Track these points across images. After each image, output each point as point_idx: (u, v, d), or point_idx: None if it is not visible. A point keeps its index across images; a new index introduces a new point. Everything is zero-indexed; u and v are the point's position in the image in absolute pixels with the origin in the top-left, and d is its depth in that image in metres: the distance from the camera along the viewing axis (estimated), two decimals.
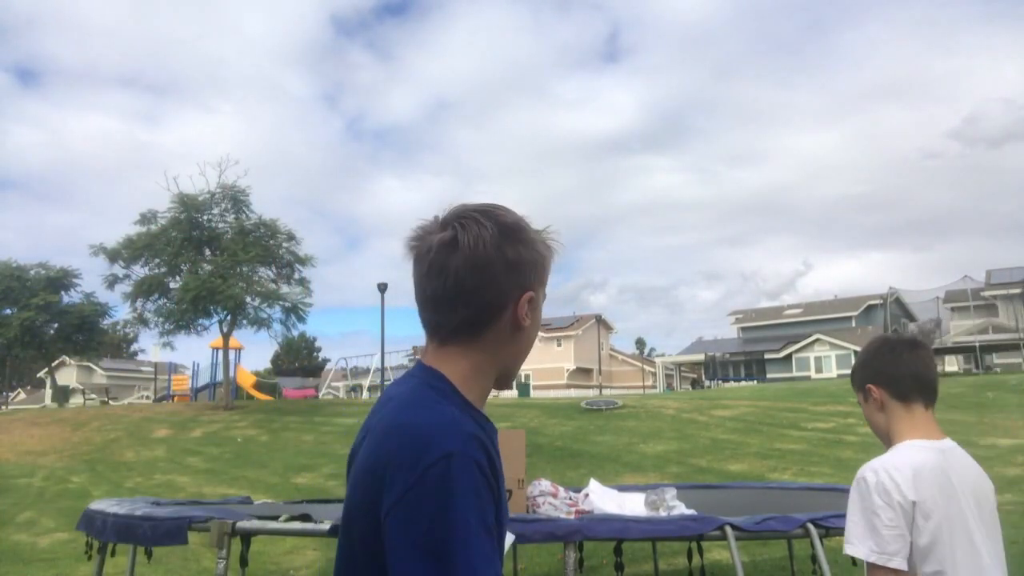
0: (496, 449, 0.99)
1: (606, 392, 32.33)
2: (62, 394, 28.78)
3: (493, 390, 1.08)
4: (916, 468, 1.78)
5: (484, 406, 1.05)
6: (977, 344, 22.93)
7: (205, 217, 16.56)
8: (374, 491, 0.93)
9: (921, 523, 1.74)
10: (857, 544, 1.81)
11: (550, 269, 1.06)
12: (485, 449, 0.94)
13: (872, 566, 1.74)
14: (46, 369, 30.41)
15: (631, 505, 3.66)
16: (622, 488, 5.56)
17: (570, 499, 3.72)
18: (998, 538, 1.96)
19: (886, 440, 1.93)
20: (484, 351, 1.03)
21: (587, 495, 3.77)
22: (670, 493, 3.61)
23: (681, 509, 3.50)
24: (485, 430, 0.99)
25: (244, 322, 16.60)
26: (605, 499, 3.74)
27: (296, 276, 17.00)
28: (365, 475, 0.96)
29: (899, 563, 1.69)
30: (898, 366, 1.91)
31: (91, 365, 42.76)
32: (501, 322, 1.01)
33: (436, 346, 1.04)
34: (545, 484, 3.86)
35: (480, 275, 0.98)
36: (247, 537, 3.12)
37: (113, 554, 3.78)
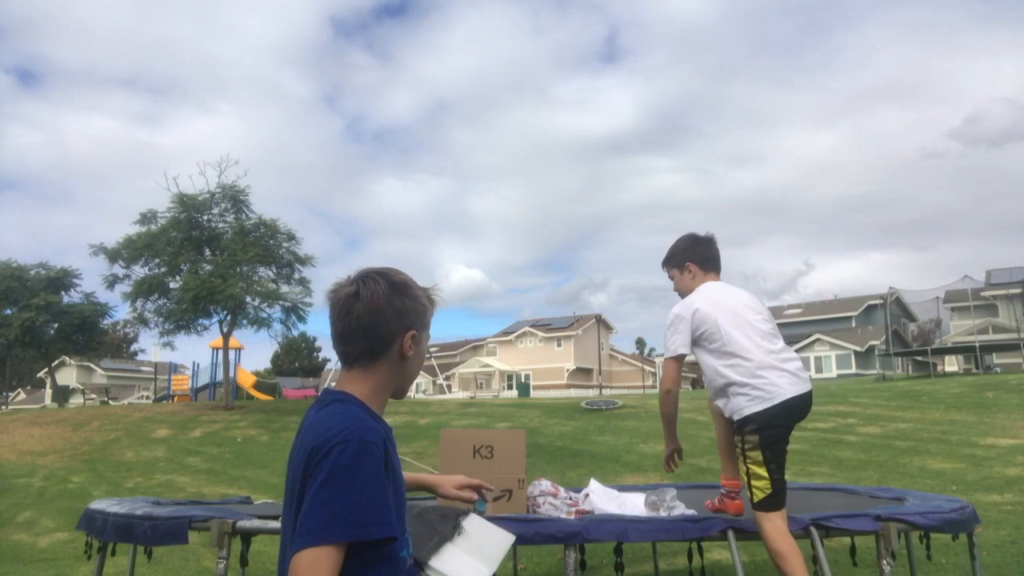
0: (392, 442, 1.35)
1: (606, 392, 32.33)
2: (62, 394, 28.79)
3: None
4: (705, 295, 3.13)
5: (384, 412, 1.42)
6: (977, 344, 22.92)
7: (205, 217, 16.55)
8: (303, 476, 1.25)
9: (701, 323, 3.05)
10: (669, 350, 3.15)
11: (431, 316, 1.44)
12: (381, 437, 1.28)
13: (668, 359, 3.15)
14: (46, 369, 30.39)
15: (631, 505, 3.66)
16: (622, 488, 5.56)
17: (570, 499, 3.71)
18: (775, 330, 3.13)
19: (683, 295, 3.25)
20: (379, 373, 1.40)
21: (587, 495, 3.76)
22: (670, 493, 3.60)
23: (681, 509, 3.49)
24: (381, 426, 1.34)
25: (244, 322, 16.60)
26: (605, 499, 3.74)
27: (296, 276, 17.00)
28: (297, 466, 1.29)
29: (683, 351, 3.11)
30: (706, 250, 3.28)
31: (91, 365, 42.80)
32: (391, 353, 1.39)
33: (345, 371, 1.42)
34: (545, 484, 3.85)
35: (374, 318, 1.36)
36: (247, 537, 3.12)
37: (113, 554, 3.78)
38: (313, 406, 1.41)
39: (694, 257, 3.27)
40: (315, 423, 1.32)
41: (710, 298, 3.10)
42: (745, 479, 2.91)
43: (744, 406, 2.90)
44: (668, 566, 5.21)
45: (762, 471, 2.84)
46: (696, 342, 3.09)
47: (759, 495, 2.84)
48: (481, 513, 3.67)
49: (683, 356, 3.11)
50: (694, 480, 7.97)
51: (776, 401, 2.86)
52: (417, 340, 1.41)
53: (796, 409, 2.92)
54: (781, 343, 3.07)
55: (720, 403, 3.10)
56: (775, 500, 2.84)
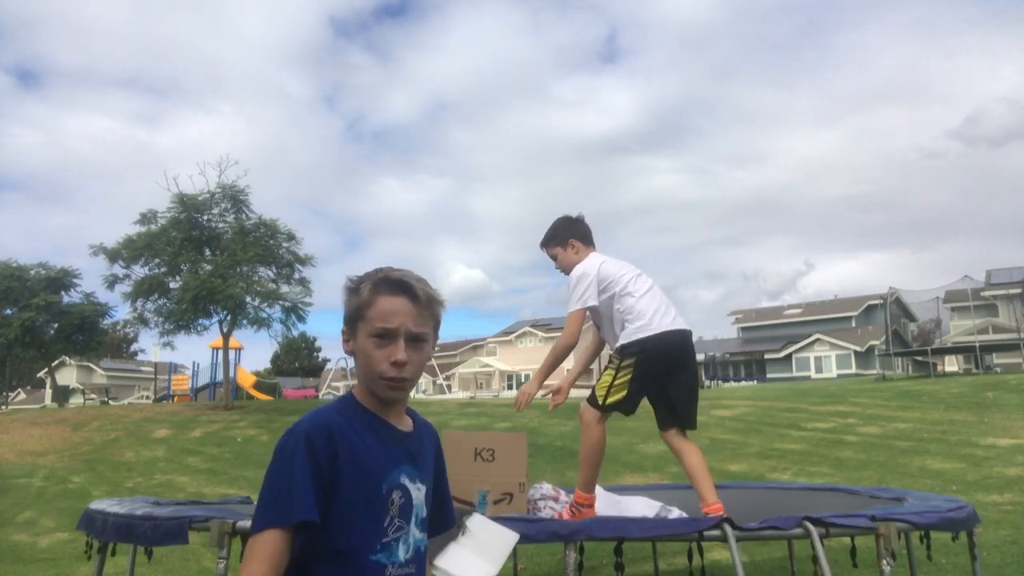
0: (360, 429, 1.35)
1: None
2: (62, 394, 28.79)
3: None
4: (602, 258, 3.59)
5: (389, 410, 1.41)
6: (977, 344, 22.92)
7: (205, 217, 16.54)
8: None
9: (607, 275, 3.48)
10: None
11: (368, 307, 1.37)
12: (324, 427, 1.31)
13: (575, 312, 3.46)
14: (46, 369, 30.39)
15: (632, 511, 3.65)
16: (622, 488, 5.56)
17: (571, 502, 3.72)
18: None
19: (569, 270, 3.61)
20: (358, 372, 1.42)
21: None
22: (675, 513, 3.61)
23: (679, 514, 3.51)
24: (348, 420, 1.35)
25: (244, 322, 16.58)
26: (606, 504, 3.74)
27: (296, 276, 16.99)
28: None
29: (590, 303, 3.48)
30: (583, 227, 3.71)
31: (91, 365, 42.79)
32: (345, 351, 1.43)
33: None
34: (546, 487, 3.86)
35: (345, 319, 1.41)
36: (247, 537, 3.11)
37: (113, 554, 3.78)
38: None
39: (575, 234, 3.69)
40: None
41: (607, 259, 3.58)
42: (608, 382, 3.38)
43: (633, 334, 3.36)
44: (668, 566, 5.21)
45: (626, 382, 3.34)
46: (602, 293, 3.48)
47: (614, 399, 3.35)
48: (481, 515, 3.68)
49: (588, 308, 3.49)
50: None
51: (657, 331, 3.35)
52: (350, 335, 1.40)
53: (672, 342, 3.40)
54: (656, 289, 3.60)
55: (620, 334, 3.46)
56: (621, 405, 3.39)
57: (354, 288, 1.40)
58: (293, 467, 1.27)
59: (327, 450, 1.28)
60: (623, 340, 3.40)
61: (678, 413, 3.49)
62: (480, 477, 3.55)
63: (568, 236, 3.68)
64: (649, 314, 3.38)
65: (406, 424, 1.45)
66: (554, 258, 3.70)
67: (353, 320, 1.39)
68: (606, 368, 3.47)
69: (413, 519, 1.39)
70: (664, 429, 3.52)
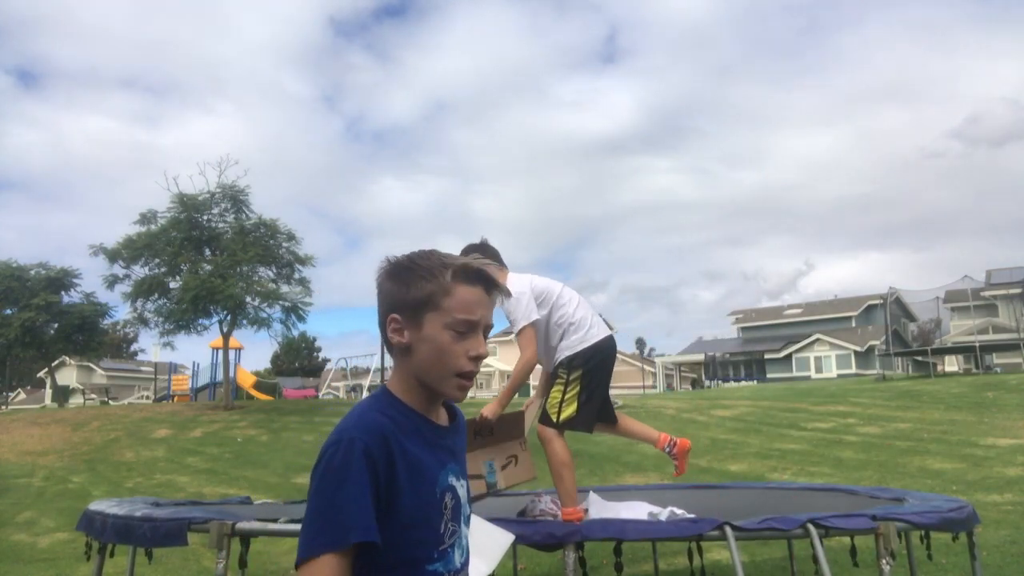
0: (412, 436, 1.21)
1: None
2: (62, 394, 28.78)
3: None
4: (527, 277, 3.61)
5: (431, 406, 1.29)
6: (977, 344, 22.91)
7: (205, 217, 16.53)
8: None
9: (541, 292, 3.53)
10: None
11: (437, 295, 1.22)
12: (377, 433, 1.17)
13: (526, 328, 3.43)
14: (46, 369, 30.38)
15: (634, 514, 3.65)
16: (622, 489, 5.56)
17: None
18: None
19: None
20: (403, 365, 1.26)
21: (587, 509, 3.76)
22: (666, 513, 3.60)
23: (684, 516, 3.50)
24: (393, 420, 1.21)
25: (244, 322, 16.58)
26: (605, 512, 3.73)
27: (296, 276, 16.98)
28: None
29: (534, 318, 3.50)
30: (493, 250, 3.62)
31: (91, 365, 42.77)
32: (392, 341, 1.25)
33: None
34: (546, 500, 3.85)
35: (380, 308, 1.26)
36: (247, 538, 3.12)
37: (113, 555, 3.78)
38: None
39: (499, 258, 3.72)
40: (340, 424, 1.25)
41: (531, 276, 3.68)
42: (558, 399, 3.45)
43: (575, 345, 3.48)
44: (668, 566, 5.21)
45: (575, 395, 3.42)
46: (540, 307, 3.57)
47: (566, 416, 3.42)
48: (492, 485, 3.71)
49: (536, 320, 3.52)
50: (694, 480, 7.97)
51: (595, 341, 3.49)
52: (405, 326, 1.23)
53: (607, 349, 3.56)
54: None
55: (558, 345, 3.57)
56: (575, 422, 3.43)
57: (426, 274, 1.22)
58: (347, 482, 1.13)
59: (384, 459, 1.16)
60: (567, 352, 3.49)
61: (601, 415, 3.68)
62: (481, 451, 3.58)
63: (500, 262, 3.65)
64: (587, 324, 3.53)
65: (443, 418, 1.34)
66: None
67: (419, 308, 1.22)
68: (555, 384, 3.50)
69: (462, 520, 1.29)
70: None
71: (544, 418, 3.48)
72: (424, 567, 1.19)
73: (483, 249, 3.60)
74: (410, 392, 1.26)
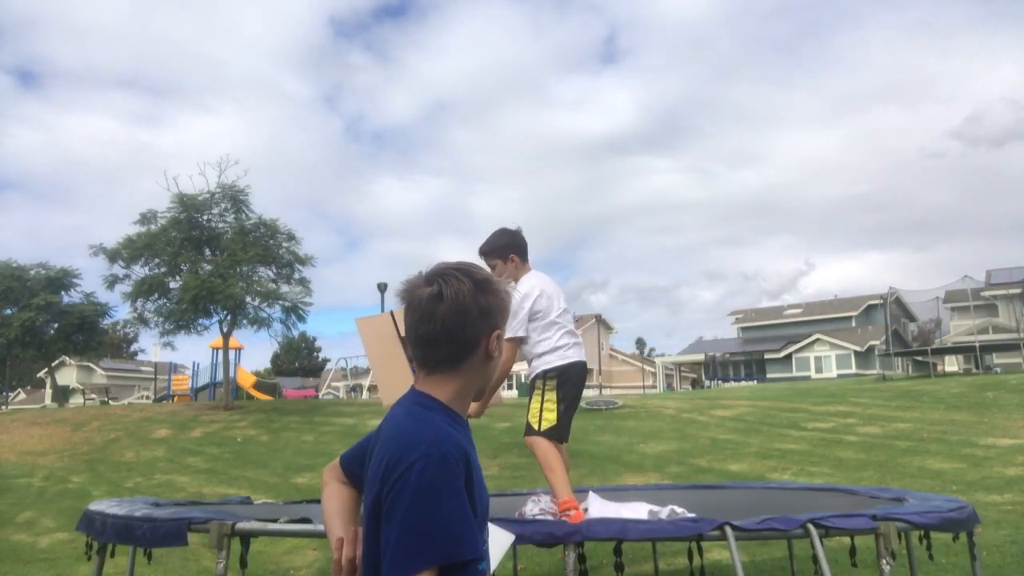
0: (472, 445, 1.30)
1: (606, 392, 32.31)
2: (62, 394, 28.78)
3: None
4: (540, 281, 3.81)
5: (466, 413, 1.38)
6: (977, 344, 22.90)
7: (205, 217, 16.53)
8: (376, 491, 1.22)
9: (539, 304, 3.72)
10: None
11: (509, 312, 1.37)
12: (462, 448, 1.22)
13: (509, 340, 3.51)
14: (46, 369, 30.38)
15: (634, 514, 3.65)
16: (622, 489, 5.56)
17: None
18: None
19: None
20: (464, 376, 1.33)
21: (586, 509, 3.76)
22: (666, 511, 3.60)
23: (685, 515, 3.50)
24: (462, 432, 1.29)
25: (244, 322, 16.58)
26: (606, 512, 3.73)
27: (296, 276, 16.98)
28: (375, 475, 1.24)
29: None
30: (523, 241, 3.87)
31: (91, 365, 42.80)
32: (476, 354, 1.32)
33: (426, 374, 1.34)
34: (545, 501, 3.85)
35: (460, 319, 1.27)
36: (247, 538, 3.12)
37: (113, 555, 3.78)
38: (397, 404, 1.36)
39: (516, 249, 3.86)
40: (395, 430, 1.27)
41: (540, 287, 3.77)
42: (537, 409, 3.65)
43: (553, 361, 3.69)
44: (668, 566, 5.21)
45: (553, 406, 3.63)
46: (531, 321, 3.75)
47: (546, 425, 3.60)
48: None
49: (522, 339, 3.73)
50: (694, 480, 7.97)
51: (571, 360, 3.71)
52: (501, 339, 1.33)
53: (579, 370, 3.79)
54: (572, 322, 3.96)
55: (534, 361, 3.78)
56: (554, 431, 3.61)
57: (499, 288, 1.33)
58: (448, 496, 1.15)
59: (465, 470, 1.20)
60: (545, 366, 3.71)
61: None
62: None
63: (509, 251, 3.83)
64: (567, 346, 3.77)
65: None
66: (492, 267, 3.79)
67: (500, 324, 1.33)
68: (532, 395, 3.72)
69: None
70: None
71: (527, 429, 3.67)
72: (477, 567, 1.22)
73: (521, 237, 3.89)
74: (460, 400, 1.33)
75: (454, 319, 1.27)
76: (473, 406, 3.69)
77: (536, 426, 3.61)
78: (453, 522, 1.14)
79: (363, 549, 1.28)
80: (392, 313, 4.19)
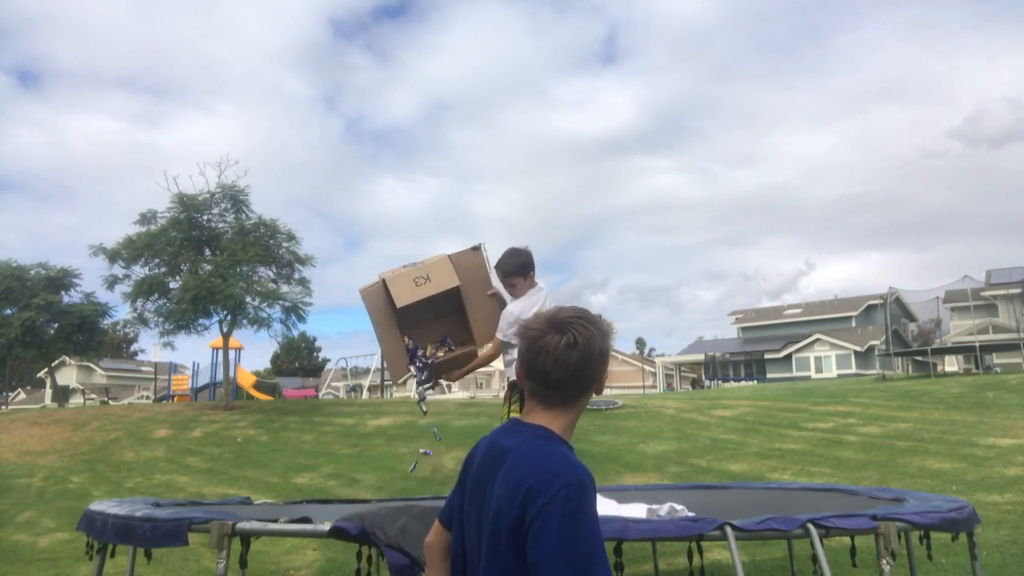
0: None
1: (606, 392, 32.28)
2: (62, 394, 28.77)
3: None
4: (540, 299, 4.13)
5: None
6: (977, 344, 22.90)
7: (205, 217, 16.52)
8: (516, 515, 1.32)
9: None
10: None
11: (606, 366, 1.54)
12: (590, 476, 1.37)
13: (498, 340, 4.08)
14: (46, 369, 30.37)
15: (632, 514, 3.65)
16: (622, 489, 5.56)
17: None
18: None
19: (516, 296, 4.24)
20: (575, 409, 1.51)
21: None
22: (665, 508, 3.60)
23: (684, 514, 3.50)
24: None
25: (244, 322, 16.57)
26: (605, 509, 3.74)
27: (296, 276, 16.98)
28: (506, 498, 1.36)
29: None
30: (533, 258, 4.19)
31: (91, 365, 42.76)
32: (591, 391, 1.51)
33: (543, 408, 1.49)
34: None
35: (588, 364, 1.45)
36: (247, 538, 3.12)
37: (113, 555, 3.78)
38: (507, 435, 1.50)
39: (531, 267, 4.24)
40: (525, 458, 1.39)
41: (545, 301, 4.14)
42: (506, 415, 3.96)
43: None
44: (668, 566, 5.21)
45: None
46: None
47: None
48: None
49: (509, 345, 4.09)
50: (694, 480, 7.97)
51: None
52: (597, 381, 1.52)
53: None
54: None
55: (508, 369, 4.16)
56: None
57: (607, 331, 1.51)
58: (595, 529, 1.31)
59: (594, 495, 1.39)
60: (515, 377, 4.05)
61: None
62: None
63: (527, 270, 4.22)
64: None
65: None
66: (512, 285, 4.21)
67: (601, 369, 1.51)
68: (504, 404, 4.09)
69: None
70: None
71: None
72: None
73: (531, 258, 4.25)
74: (570, 430, 1.51)
75: (583, 365, 1.44)
76: (455, 374, 4.33)
77: None
78: (594, 544, 1.28)
79: (487, 563, 1.39)
80: (384, 280, 4.21)
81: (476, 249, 4.28)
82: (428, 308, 4.19)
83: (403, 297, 4.10)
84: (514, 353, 3.92)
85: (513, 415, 3.73)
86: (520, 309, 4.08)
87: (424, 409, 4.97)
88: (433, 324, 4.33)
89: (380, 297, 4.17)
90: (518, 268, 4.20)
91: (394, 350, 4.30)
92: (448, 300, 4.22)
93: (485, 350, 4.30)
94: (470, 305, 4.28)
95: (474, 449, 1.61)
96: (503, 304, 4.25)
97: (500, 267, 4.22)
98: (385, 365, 4.32)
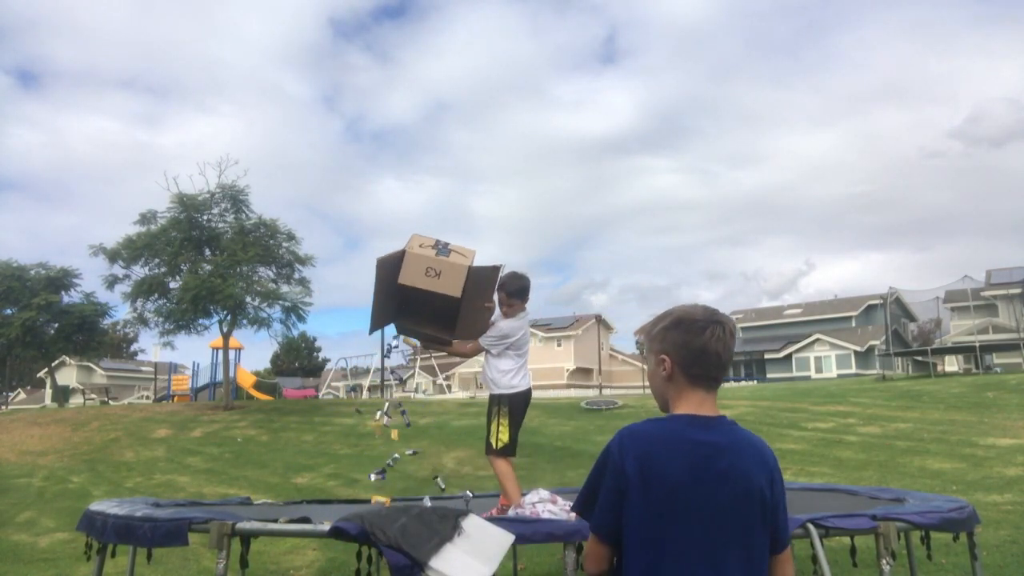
0: None
1: (606, 392, 32.32)
2: (62, 394, 28.77)
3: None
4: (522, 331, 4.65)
5: None
6: (977, 344, 22.90)
7: (205, 217, 16.53)
8: (766, 492, 1.55)
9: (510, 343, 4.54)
10: None
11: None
12: None
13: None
14: (46, 369, 30.37)
15: None
16: None
17: (568, 506, 3.73)
18: None
19: (504, 312, 4.65)
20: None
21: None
22: None
23: None
24: None
25: (244, 322, 16.58)
26: None
27: (296, 276, 16.98)
28: (761, 478, 1.55)
29: None
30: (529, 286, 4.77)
31: (91, 365, 42.75)
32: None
33: (706, 392, 1.65)
34: (544, 493, 3.89)
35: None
36: (247, 538, 3.12)
37: (113, 555, 3.78)
38: (702, 431, 1.58)
39: (528, 292, 4.75)
40: (752, 443, 1.60)
41: (519, 329, 4.60)
42: (495, 430, 4.47)
43: (506, 388, 4.54)
44: None
45: (506, 430, 4.45)
46: (508, 346, 4.56)
47: (500, 444, 4.43)
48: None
49: (485, 348, 4.59)
50: None
51: (521, 389, 4.58)
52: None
53: (524, 397, 4.62)
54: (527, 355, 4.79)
55: (498, 380, 4.58)
56: (507, 449, 4.43)
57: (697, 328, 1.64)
58: None
59: None
60: (499, 391, 4.57)
61: None
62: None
63: (526, 294, 4.71)
64: (519, 377, 4.61)
65: None
66: (509, 305, 4.62)
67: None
68: (490, 417, 4.55)
69: None
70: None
71: (487, 447, 4.51)
72: None
73: (529, 287, 4.73)
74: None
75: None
76: (426, 346, 4.89)
77: (495, 444, 4.48)
78: None
79: (744, 538, 1.52)
80: (406, 251, 4.31)
81: (496, 269, 4.51)
82: (425, 299, 4.29)
83: (407, 277, 4.23)
84: (503, 365, 4.54)
85: (502, 428, 4.44)
86: (509, 328, 4.55)
87: (386, 423, 5.33)
88: (422, 312, 4.47)
89: (393, 266, 4.27)
90: (518, 291, 4.64)
91: (380, 315, 4.51)
92: (444, 300, 4.26)
93: (463, 345, 4.75)
94: (464, 309, 4.46)
95: (649, 450, 1.56)
96: (489, 314, 4.59)
97: (503, 287, 4.58)
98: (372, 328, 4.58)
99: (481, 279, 4.40)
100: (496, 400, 4.60)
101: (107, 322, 22.96)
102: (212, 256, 16.43)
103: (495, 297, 4.64)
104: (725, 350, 1.61)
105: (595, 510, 1.58)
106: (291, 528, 3.10)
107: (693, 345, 1.60)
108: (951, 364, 31.17)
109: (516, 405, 4.60)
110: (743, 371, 41.12)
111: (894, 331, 25.35)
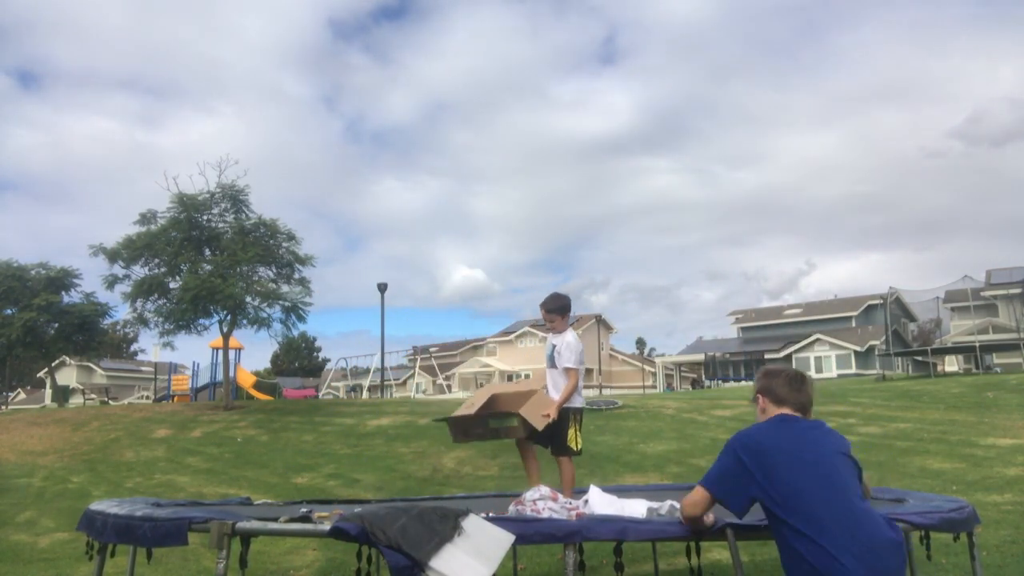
0: None
1: (606, 392, 32.34)
2: (62, 394, 28.79)
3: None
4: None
5: None
6: (977, 344, 22.91)
7: (205, 217, 16.52)
8: (851, 455, 2.71)
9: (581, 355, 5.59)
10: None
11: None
12: None
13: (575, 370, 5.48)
14: (46, 369, 30.39)
15: (632, 511, 3.66)
16: (622, 489, 5.56)
17: (570, 504, 3.73)
18: None
19: (560, 332, 5.56)
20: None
21: (587, 501, 3.77)
22: (666, 506, 3.61)
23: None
24: None
25: (244, 322, 16.57)
26: (605, 505, 3.74)
27: (296, 276, 16.98)
28: (847, 450, 2.72)
29: None
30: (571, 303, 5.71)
31: (91, 365, 42.81)
32: None
33: (803, 413, 2.88)
34: (545, 490, 3.89)
35: None
36: (247, 538, 3.12)
37: (113, 555, 3.78)
38: (808, 425, 2.82)
39: (569, 309, 5.53)
40: (832, 430, 2.78)
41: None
42: (573, 436, 5.25)
43: (579, 401, 5.41)
44: (668, 566, 5.20)
45: (579, 434, 5.32)
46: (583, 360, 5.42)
47: (576, 448, 5.28)
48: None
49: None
50: (694, 480, 7.97)
51: (582, 404, 5.49)
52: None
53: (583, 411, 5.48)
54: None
55: (568, 396, 5.28)
56: (577, 452, 5.28)
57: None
58: None
59: None
60: (575, 404, 5.33)
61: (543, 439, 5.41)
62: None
63: (567, 311, 5.45)
64: (582, 392, 5.49)
65: None
66: (551, 321, 5.41)
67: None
68: (568, 426, 5.25)
69: None
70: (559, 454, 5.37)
71: (567, 450, 5.25)
72: None
73: (570, 303, 5.54)
74: None
75: None
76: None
77: (574, 447, 5.27)
78: None
79: (854, 482, 2.63)
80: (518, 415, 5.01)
81: (546, 416, 5.15)
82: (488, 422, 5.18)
83: (536, 422, 5.01)
84: (581, 381, 5.32)
85: (579, 435, 5.26)
86: (574, 338, 5.39)
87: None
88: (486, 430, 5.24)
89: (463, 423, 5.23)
90: (559, 308, 5.41)
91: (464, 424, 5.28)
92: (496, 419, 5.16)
93: (565, 387, 5.29)
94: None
95: (761, 439, 2.90)
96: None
97: (546, 305, 5.38)
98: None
99: (535, 404, 5.12)
100: (575, 412, 5.37)
101: (107, 322, 22.99)
102: (212, 256, 16.43)
103: (548, 373, 5.43)
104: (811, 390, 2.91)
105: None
106: (291, 528, 3.10)
107: (796, 386, 3.00)
108: (951, 364, 31.18)
109: (581, 415, 5.50)
110: (743, 371, 41.11)
111: (894, 331, 25.36)
